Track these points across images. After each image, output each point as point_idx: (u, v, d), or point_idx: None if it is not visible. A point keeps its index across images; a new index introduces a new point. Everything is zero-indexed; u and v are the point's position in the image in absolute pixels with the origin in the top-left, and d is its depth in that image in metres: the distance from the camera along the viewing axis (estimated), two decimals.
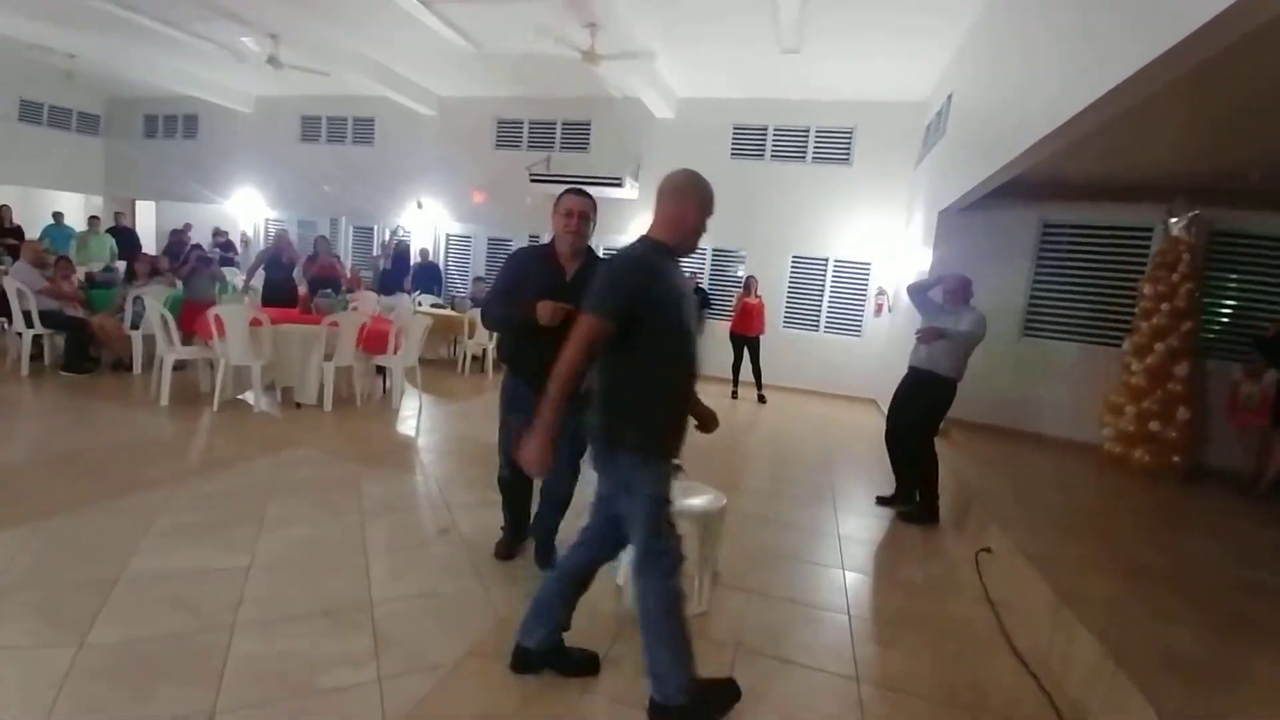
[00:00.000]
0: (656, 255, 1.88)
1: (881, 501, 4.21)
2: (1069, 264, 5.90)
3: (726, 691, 2.02)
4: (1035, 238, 5.95)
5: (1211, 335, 5.37)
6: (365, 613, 2.35)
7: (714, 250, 9.54)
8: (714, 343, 8.56)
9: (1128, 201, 5.51)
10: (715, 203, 1.94)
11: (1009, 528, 3.34)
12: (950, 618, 2.82)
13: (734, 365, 7.82)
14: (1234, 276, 5.45)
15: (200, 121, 12.47)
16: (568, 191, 2.54)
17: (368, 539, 2.95)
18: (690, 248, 1.97)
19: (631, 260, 1.87)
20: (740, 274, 9.10)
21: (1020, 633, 2.68)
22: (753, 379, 7.80)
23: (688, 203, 1.90)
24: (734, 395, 7.81)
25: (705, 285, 9.16)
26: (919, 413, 3.94)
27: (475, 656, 2.16)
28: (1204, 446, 5.22)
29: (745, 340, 7.81)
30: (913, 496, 4.03)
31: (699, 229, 1.92)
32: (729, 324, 8.02)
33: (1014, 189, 5.16)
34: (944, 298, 4.10)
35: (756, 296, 7.89)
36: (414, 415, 5.37)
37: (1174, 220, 5.10)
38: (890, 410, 4.16)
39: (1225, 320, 5.46)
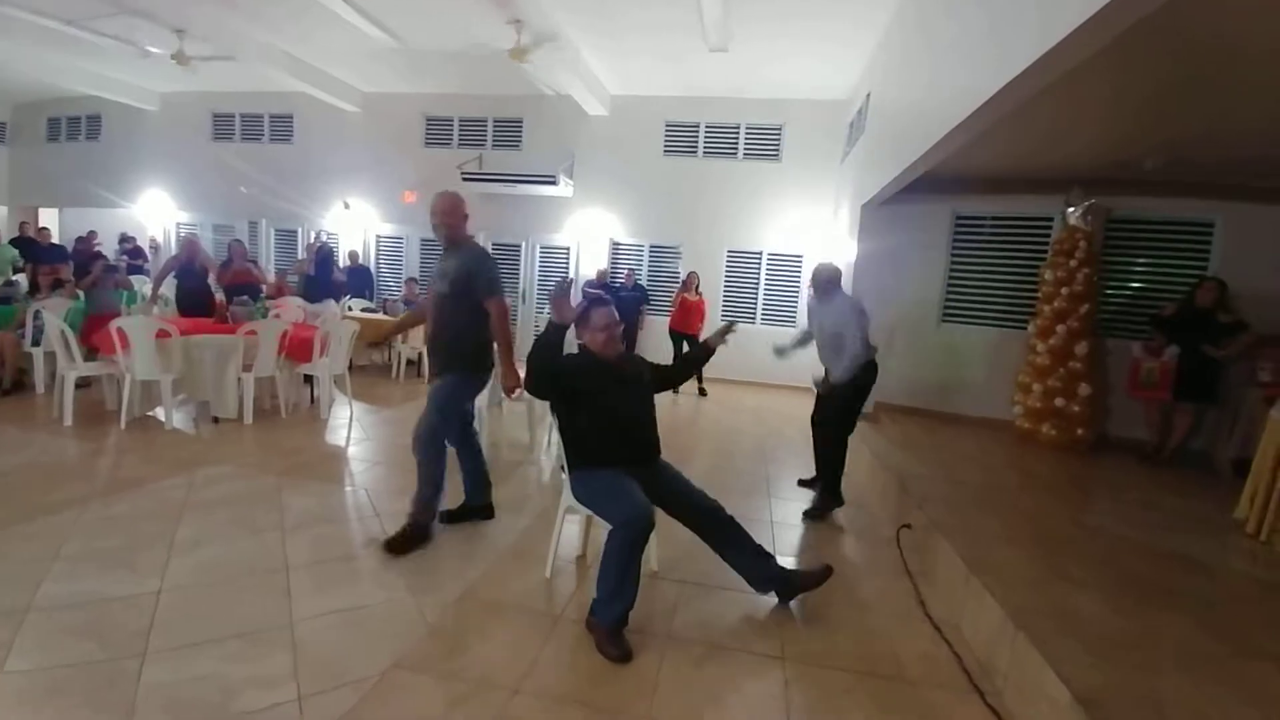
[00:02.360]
0: None
1: (803, 484, 4.42)
2: (980, 254, 6.23)
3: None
4: (949, 229, 6.26)
5: (1109, 316, 5.77)
6: (284, 631, 2.27)
7: (651, 246, 9.61)
8: (655, 338, 8.65)
9: (1030, 193, 5.86)
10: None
11: (927, 504, 3.52)
12: (872, 592, 2.95)
13: (675, 359, 7.91)
14: (1129, 260, 5.86)
15: (104, 122, 11.70)
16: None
17: (289, 555, 2.85)
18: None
19: None
20: (679, 270, 9.21)
21: (935, 602, 2.84)
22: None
23: None
24: (675, 390, 7.89)
25: (644, 281, 9.22)
26: (834, 406, 3.94)
27: (401, 668, 2.13)
28: (1106, 419, 5.62)
29: (685, 337, 7.92)
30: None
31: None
32: (668, 320, 8.12)
33: (928, 183, 5.41)
34: (811, 296, 4.09)
35: (698, 294, 8.00)
36: (344, 424, 5.20)
37: (1071, 209, 5.45)
38: (815, 402, 4.23)
39: (1122, 301, 5.87)
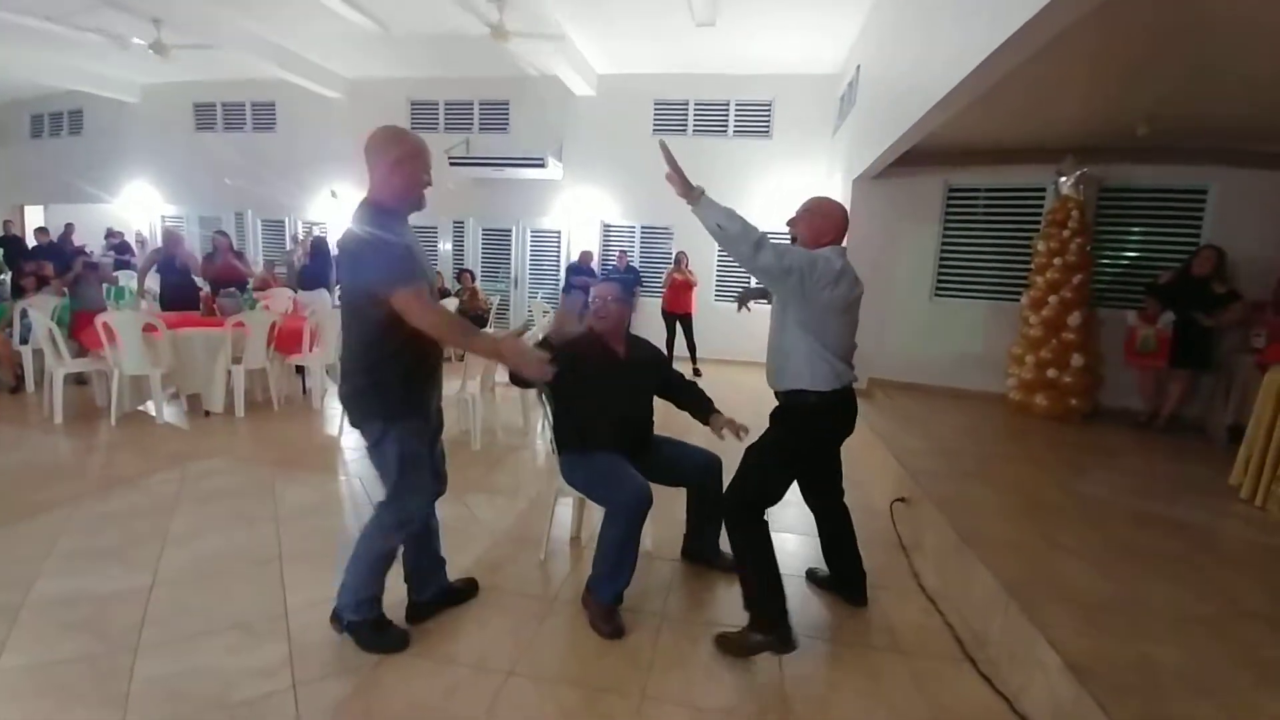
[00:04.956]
0: (383, 219, 1.93)
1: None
2: (972, 226, 6.19)
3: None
4: (941, 202, 6.21)
5: (1103, 285, 5.75)
6: (279, 622, 2.28)
7: (642, 227, 9.54)
8: (647, 320, 8.62)
9: (1022, 163, 5.81)
10: (427, 153, 2.01)
11: (920, 477, 3.53)
12: (867, 565, 2.95)
13: (668, 341, 7.89)
14: (1123, 229, 5.82)
15: (85, 116, 11.54)
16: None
17: (283, 546, 2.85)
18: (415, 204, 2.02)
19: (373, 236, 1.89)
20: (671, 250, 9.15)
21: (928, 574, 2.86)
22: (687, 354, 7.90)
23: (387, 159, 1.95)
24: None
25: (635, 263, 9.16)
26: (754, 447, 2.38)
27: (396, 655, 2.13)
28: (1100, 389, 5.61)
29: (677, 317, 7.91)
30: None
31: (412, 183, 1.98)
32: (661, 301, 8.09)
33: (920, 155, 5.36)
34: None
35: (687, 272, 7.96)
36: (337, 415, 5.18)
37: (1063, 179, 5.41)
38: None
39: (1116, 271, 5.85)
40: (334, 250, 9.45)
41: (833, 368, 2.19)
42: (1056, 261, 5.27)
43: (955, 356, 6.20)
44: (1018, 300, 5.74)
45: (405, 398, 2.02)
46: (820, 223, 2.30)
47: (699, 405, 2.76)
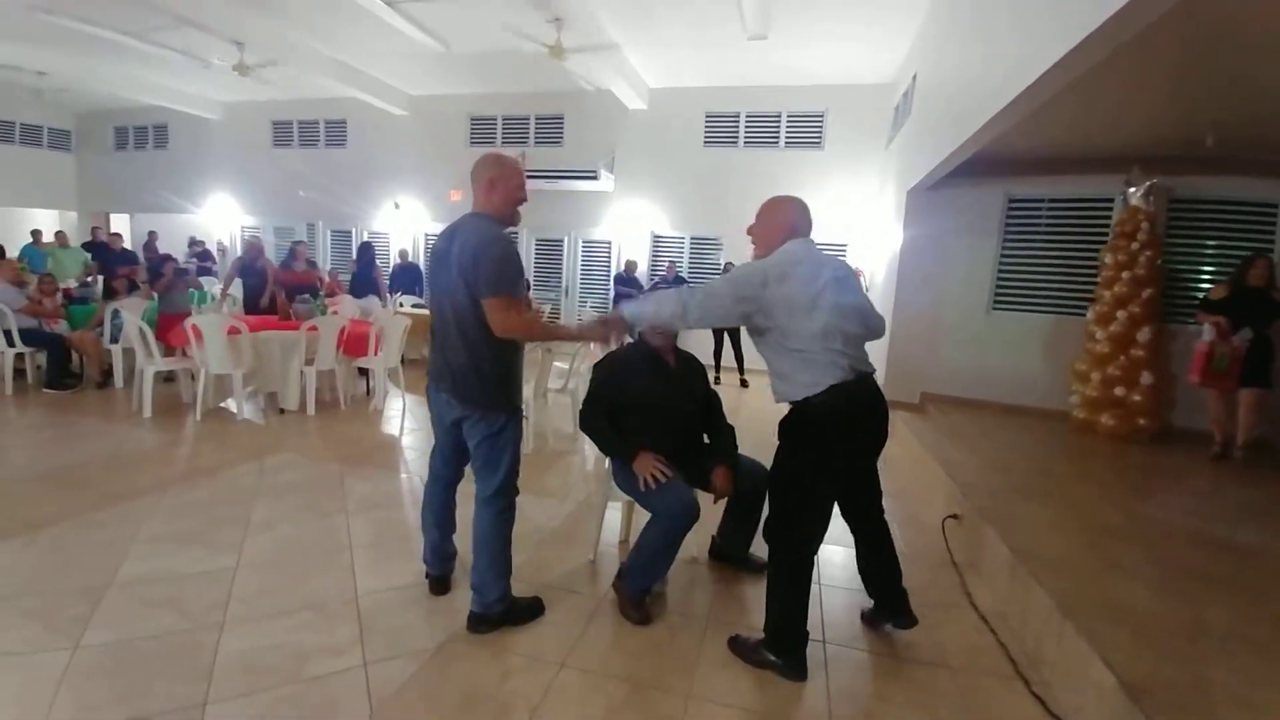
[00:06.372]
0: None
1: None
2: (1034, 238, 6.02)
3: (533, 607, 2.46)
4: (1001, 213, 6.06)
5: (1174, 300, 5.49)
6: (350, 605, 2.44)
7: (692, 238, 9.62)
8: (695, 330, 8.68)
9: (1088, 173, 5.63)
10: (519, 174, 2.31)
11: (974, 495, 3.46)
12: (917, 581, 2.91)
13: (715, 352, 7.93)
14: (1193, 242, 5.57)
15: (170, 131, 12.40)
16: None
17: (353, 536, 3.03)
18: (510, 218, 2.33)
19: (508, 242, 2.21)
20: (719, 261, 9.20)
21: (982, 592, 2.81)
22: (734, 364, 7.92)
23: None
24: (716, 381, 7.91)
25: (684, 273, 9.24)
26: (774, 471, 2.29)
27: (457, 640, 2.26)
28: (1170, 409, 5.36)
29: (725, 328, 7.92)
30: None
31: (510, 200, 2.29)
32: None
33: (979, 165, 5.26)
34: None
35: None
36: (398, 415, 5.43)
37: (1132, 190, 5.22)
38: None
39: (1187, 285, 5.58)
40: (397, 259, 9.91)
41: (832, 363, 2.04)
42: (1125, 275, 5.09)
43: (1014, 372, 6.02)
44: (1082, 315, 5.55)
45: (520, 391, 2.36)
46: (766, 229, 2.25)
47: (721, 448, 2.78)
